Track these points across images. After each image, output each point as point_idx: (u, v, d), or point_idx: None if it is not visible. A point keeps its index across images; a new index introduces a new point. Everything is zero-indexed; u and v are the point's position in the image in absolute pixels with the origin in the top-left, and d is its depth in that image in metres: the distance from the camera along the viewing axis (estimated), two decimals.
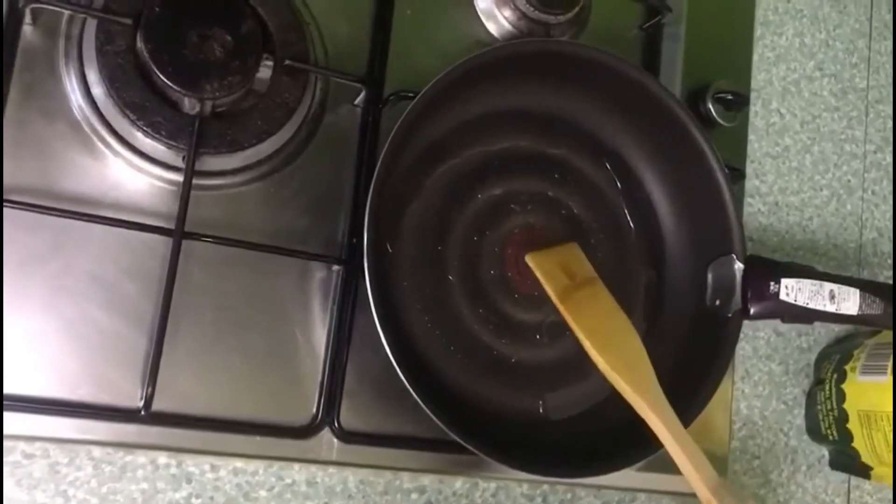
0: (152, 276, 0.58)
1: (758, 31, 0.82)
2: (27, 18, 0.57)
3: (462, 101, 0.63)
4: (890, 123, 0.87)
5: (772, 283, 0.62)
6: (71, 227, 0.57)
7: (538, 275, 0.64)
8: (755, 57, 0.81)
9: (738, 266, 0.63)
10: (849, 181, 0.85)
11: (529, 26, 0.69)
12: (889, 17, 0.89)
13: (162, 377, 0.56)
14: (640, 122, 0.67)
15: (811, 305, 0.62)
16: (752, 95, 0.80)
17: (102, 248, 0.58)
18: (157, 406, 0.56)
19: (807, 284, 0.62)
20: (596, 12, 0.72)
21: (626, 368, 0.60)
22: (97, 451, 0.58)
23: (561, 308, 0.62)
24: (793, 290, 0.62)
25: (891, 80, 0.88)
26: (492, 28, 0.69)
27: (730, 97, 0.73)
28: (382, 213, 0.58)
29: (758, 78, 0.82)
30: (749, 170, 0.80)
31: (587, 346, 0.61)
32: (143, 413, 0.55)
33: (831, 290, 0.62)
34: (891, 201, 0.86)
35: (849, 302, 0.62)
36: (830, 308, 0.62)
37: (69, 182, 0.58)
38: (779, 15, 0.84)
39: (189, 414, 0.58)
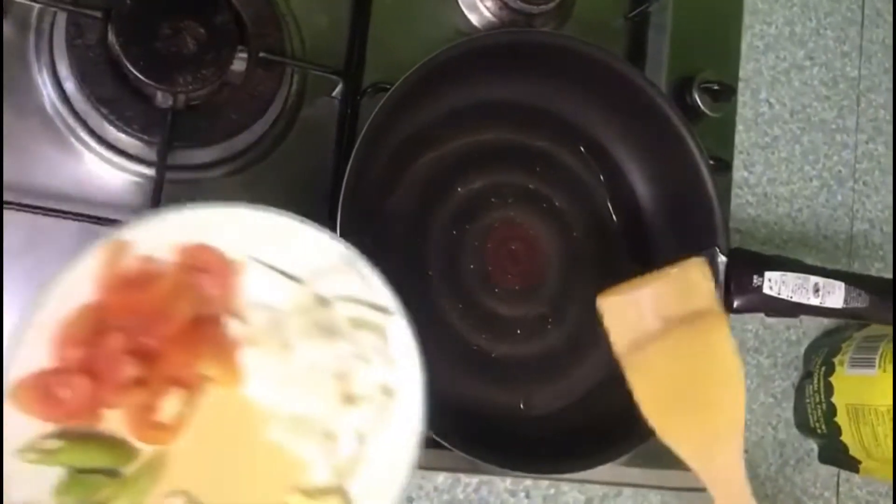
0: None
1: (746, 20, 0.80)
2: None
3: (441, 92, 0.62)
4: (882, 113, 0.86)
5: (755, 277, 0.61)
6: (44, 223, 0.56)
7: (605, 322, 0.54)
8: (744, 46, 0.80)
9: (722, 259, 0.62)
10: (840, 171, 0.83)
11: (511, 16, 0.68)
12: (881, 5, 0.88)
13: None
14: (623, 114, 0.66)
15: (795, 299, 0.61)
16: (741, 85, 0.79)
17: (76, 245, 0.56)
18: None
19: (791, 278, 0.61)
20: (580, 1, 0.71)
21: (691, 441, 0.51)
22: None
23: (621, 363, 0.53)
24: (777, 284, 0.61)
25: (882, 69, 0.87)
26: (473, 18, 0.68)
27: (716, 87, 0.72)
28: (359, 207, 0.57)
29: (746, 67, 0.80)
30: (737, 161, 0.79)
31: (642, 408, 0.53)
32: None
33: (816, 284, 0.61)
34: (882, 192, 0.85)
35: (834, 295, 0.61)
36: (815, 301, 0.61)
37: (42, 177, 0.57)
38: (768, 3, 0.83)
39: None
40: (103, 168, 0.58)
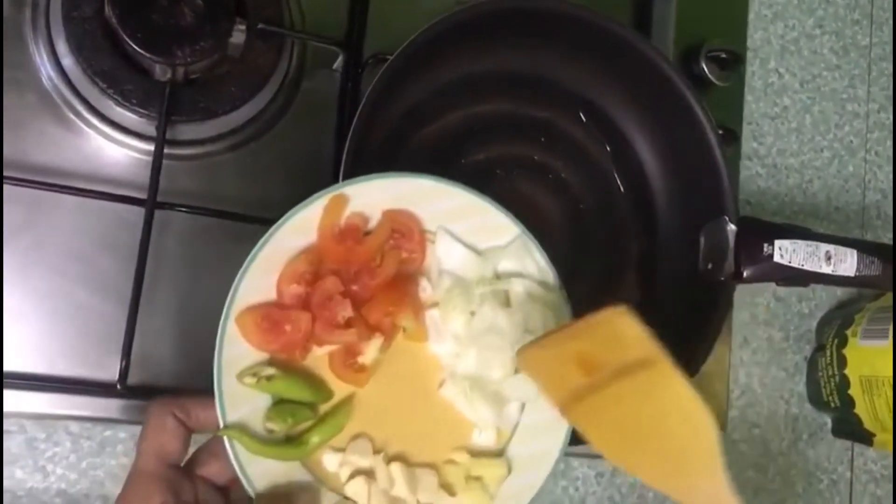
0: (127, 247, 0.57)
1: None
2: None
3: (443, 61, 0.61)
4: (894, 81, 0.84)
5: (765, 245, 0.60)
6: (43, 200, 0.56)
7: (530, 377, 0.49)
8: (752, 14, 0.79)
9: (731, 228, 0.61)
10: (851, 142, 0.82)
11: None
12: None
13: (140, 350, 0.55)
14: (629, 82, 0.65)
15: (806, 267, 0.60)
16: (750, 55, 0.78)
17: (76, 221, 0.57)
18: (134, 379, 0.54)
19: (801, 246, 0.60)
20: None
21: (668, 476, 0.45)
22: (75, 426, 0.57)
23: (562, 415, 0.48)
24: (787, 252, 0.60)
25: (894, 36, 0.85)
26: None
27: (723, 56, 0.71)
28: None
29: (755, 36, 0.79)
30: (746, 131, 0.77)
31: (604, 454, 0.46)
32: (118, 387, 0.54)
33: (827, 252, 0.60)
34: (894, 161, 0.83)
35: (846, 263, 0.60)
36: (826, 269, 0.60)
37: (41, 154, 0.57)
38: None
39: (168, 386, 0.57)
40: (102, 143, 0.58)
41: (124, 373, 0.54)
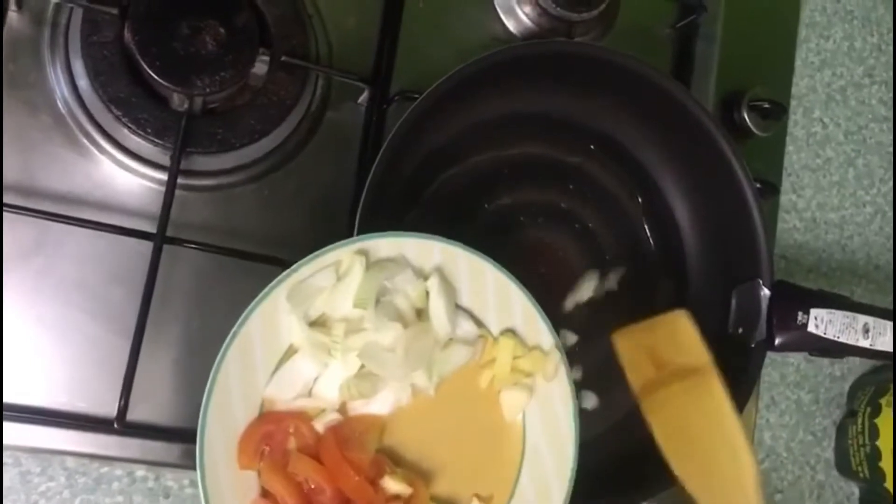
0: (137, 279, 0.55)
1: (802, 33, 0.76)
2: (12, 5, 0.54)
3: (471, 103, 0.59)
4: None
5: (800, 313, 0.57)
6: (53, 225, 0.54)
7: (621, 361, 0.55)
8: (798, 61, 0.76)
9: (765, 293, 0.58)
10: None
11: (551, 24, 0.64)
12: None
13: (142, 387, 0.53)
14: (664, 131, 0.62)
15: (842, 339, 0.57)
16: (794, 103, 0.75)
17: (85, 249, 0.55)
18: (135, 417, 0.53)
19: (839, 316, 0.57)
20: (624, 10, 0.67)
21: (707, 489, 0.49)
22: (71, 462, 0.56)
23: (640, 403, 0.53)
24: (823, 322, 0.57)
25: None
26: (510, 25, 0.65)
27: (766, 105, 0.68)
28: (380, 221, 0.54)
29: (800, 84, 0.76)
30: (786, 183, 0.74)
31: (666, 456, 0.51)
32: (116, 425, 0.52)
33: (865, 324, 0.57)
34: None
35: (885, 337, 0.57)
36: (864, 343, 0.57)
37: (51, 178, 0.55)
38: (827, 16, 0.78)
39: (169, 426, 0.55)
40: (115, 170, 0.56)
41: (123, 411, 0.52)
